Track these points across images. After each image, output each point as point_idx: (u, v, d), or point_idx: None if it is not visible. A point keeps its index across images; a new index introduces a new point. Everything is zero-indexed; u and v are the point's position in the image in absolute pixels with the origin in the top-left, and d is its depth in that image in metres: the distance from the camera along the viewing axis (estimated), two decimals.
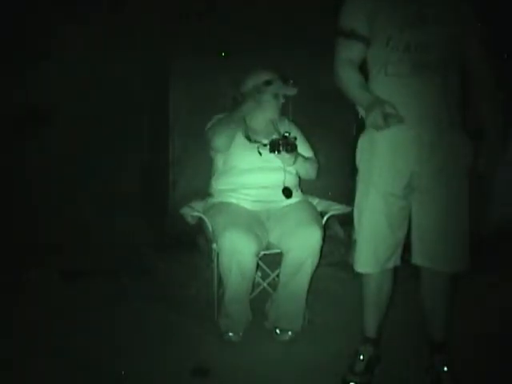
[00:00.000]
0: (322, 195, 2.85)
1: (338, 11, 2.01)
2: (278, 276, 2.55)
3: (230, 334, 2.47)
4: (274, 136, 2.47)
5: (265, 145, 2.49)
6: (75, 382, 2.16)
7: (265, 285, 2.61)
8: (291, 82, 2.62)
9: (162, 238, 3.29)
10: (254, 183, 2.57)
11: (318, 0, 3.15)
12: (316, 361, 2.32)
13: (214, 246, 2.46)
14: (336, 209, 2.65)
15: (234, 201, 2.56)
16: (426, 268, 2.10)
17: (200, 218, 2.57)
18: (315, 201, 2.77)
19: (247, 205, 2.56)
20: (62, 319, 2.58)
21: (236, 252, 2.33)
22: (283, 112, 2.71)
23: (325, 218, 2.58)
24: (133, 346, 2.39)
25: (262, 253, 2.49)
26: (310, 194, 2.81)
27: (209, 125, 2.65)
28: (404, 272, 2.22)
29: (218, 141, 2.54)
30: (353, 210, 2.16)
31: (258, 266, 2.50)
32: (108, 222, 3.38)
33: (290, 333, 2.50)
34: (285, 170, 2.57)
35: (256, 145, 2.56)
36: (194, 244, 2.82)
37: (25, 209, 3.32)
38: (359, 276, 2.16)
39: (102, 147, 3.43)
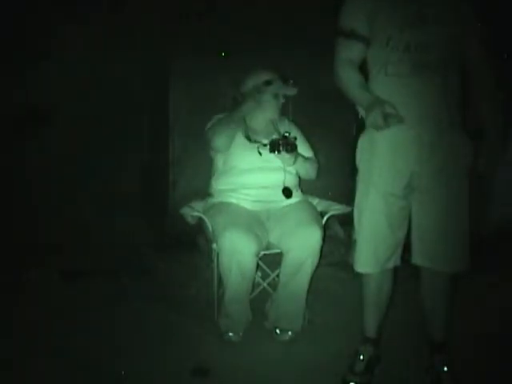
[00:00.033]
0: (322, 195, 2.85)
1: (337, 11, 2.01)
2: (277, 276, 2.55)
3: (230, 334, 2.47)
4: (274, 136, 2.47)
5: (265, 145, 2.49)
6: (75, 382, 2.16)
7: (265, 285, 2.61)
8: (291, 82, 2.62)
9: (162, 238, 3.29)
10: (254, 183, 2.57)
11: (318, 0, 3.15)
12: (316, 361, 2.32)
13: (214, 246, 2.46)
14: (336, 209, 2.65)
15: (233, 201, 2.56)
16: (426, 268, 2.10)
17: (200, 218, 2.57)
18: (315, 201, 2.77)
19: (247, 205, 2.56)
20: (62, 319, 2.58)
21: (236, 252, 2.33)
22: (283, 112, 2.71)
23: (325, 218, 2.58)
24: (133, 346, 2.39)
25: (262, 253, 2.49)
26: (310, 194, 2.81)
27: (209, 125, 2.65)
28: (404, 272, 2.22)
29: (218, 141, 2.54)
30: (353, 210, 2.16)
31: (258, 265, 2.50)
32: (108, 221, 3.38)
33: (290, 333, 2.50)
34: (285, 170, 2.57)
35: (256, 145, 2.56)
36: (194, 244, 2.82)
37: (25, 209, 3.32)
38: (359, 276, 2.16)
39: (102, 147, 3.43)
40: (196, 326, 2.59)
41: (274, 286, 2.59)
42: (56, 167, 3.38)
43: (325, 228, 2.52)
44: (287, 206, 2.59)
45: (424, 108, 1.96)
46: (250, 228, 2.40)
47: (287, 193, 2.57)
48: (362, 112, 1.97)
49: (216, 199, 2.61)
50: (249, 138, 2.59)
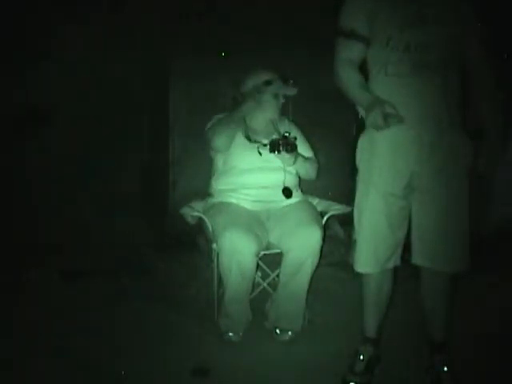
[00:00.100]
0: (322, 195, 2.85)
1: (337, 11, 2.01)
2: (278, 276, 2.55)
3: (230, 334, 2.47)
4: (274, 136, 2.47)
5: (265, 145, 2.49)
6: (75, 382, 2.16)
7: (265, 285, 2.61)
8: (291, 82, 2.62)
9: (162, 238, 3.29)
10: (254, 183, 2.57)
11: (318, 0, 3.15)
12: (316, 361, 2.32)
13: (214, 246, 2.46)
14: (336, 209, 2.65)
15: (234, 201, 2.56)
16: (426, 268, 2.10)
17: (200, 218, 2.57)
18: (315, 201, 2.77)
19: (247, 205, 2.56)
20: (62, 319, 2.58)
21: (236, 252, 2.33)
22: (283, 112, 2.71)
23: (325, 218, 2.58)
24: (133, 346, 2.39)
25: (262, 253, 2.49)
26: (310, 194, 2.81)
27: (209, 125, 2.65)
28: (404, 272, 2.22)
29: (218, 141, 2.54)
30: (353, 210, 2.16)
31: (258, 265, 2.50)
32: (108, 221, 3.38)
33: (290, 333, 2.50)
34: (285, 170, 2.57)
35: (256, 145, 2.56)
36: (194, 244, 2.82)
37: (25, 209, 3.32)
38: (359, 276, 2.16)
39: (102, 147, 3.43)
40: (196, 326, 2.59)
41: (274, 286, 2.59)
42: (56, 167, 3.38)
43: (325, 228, 2.52)
44: (287, 205, 2.59)
45: (424, 108, 1.96)
46: (250, 228, 2.40)
47: (287, 193, 2.57)
48: (362, 112, 1.97)
49: (216, 199, 2.61)
50: (249, 138, 2.59)
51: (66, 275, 3.10)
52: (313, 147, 2.74)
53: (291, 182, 2.62)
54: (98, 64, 3.31)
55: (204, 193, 2.72)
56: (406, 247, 2.13)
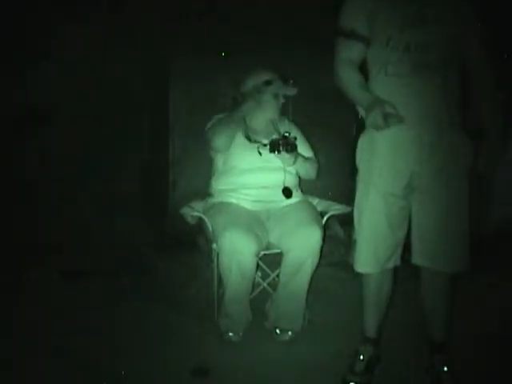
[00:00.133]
0: (322, 195, 2.85)
1: (338, 11, 2.01)
2: (277, 276, 2.55)
3: (230, 334, 2.47)
4: (274, 136, 2.47)
5: (265, 145, 2.49)
6: (75, 382, 2.16)
7: (265, 285, 2.61)
8: (291, 82, 2.62)
9: (162, 238, 3.29)
10: (254, 183, 2.57)
11: (318, 0, 3.15)
12: (316, 361, 2.32)
13: (214, 246, 2.46)
14: (336, 209, 2.65)
15: (234, 201, 2.56)
16: (426, 268, 2.10)
17: (200, 218, 2.57)
18: (315, 201, 2.77)
19: (247, 205, 2.56)
20: (62, 319, 2.58)
21: (236, 252, 2.33)
22: (283, 112, 2.71)
23: (325, 218, 2.58)
24: (133, 346, 2.39)
25: (262, 253, 2.49)
26: (310, 194, 2.81)
27: (209, 125, 2.65)
28: (404, 272, 2.22)
29: (218, 141, 2.54)
30: (353, 210, 2.16)
31: (258, 265, 2.50)
32: (108, 221, 3.38)
33: (290, 333, 2.50)
34: (285, 170, 2.57)
35: (256, 145, 2.56)
36: (194, 244, 2.82)
37: (25, 209, 3.32)
38: (359, 276, 2.16)
39: (102, 147, 3.43)
40: (196, 326, 2.59)
41: (274, 286, 2.59)
42: (56, 167, 3.38)
43: (325, 228, 2.52)
44: (287, 205, 2.59)
45: (424, 108, 1.96)
46: (250, 228, 2.40)
47: (287, 193, 2.57)
48: (362, 112, 1.97)
49: (216, 199, 2.61)
50: (249, 138, 2.59)
51: (66, 275, 3.10)
52: (313, 147, 2.74)
53: (291, 182, 2.62)
54: (97, 64, 3.31)
55: (204, 193, 2.72)
56: (406, 247, 2.13)
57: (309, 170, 2.67)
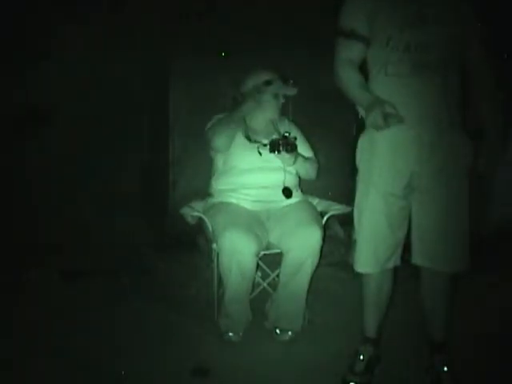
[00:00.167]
0: (322, 195, 2.85)
1: (338, 11, 2.01)
2: (278, 276, 2.55)
3: (230, 334, 2.47)
4: (274, 136, 2.47)
5: (265, 145, 2.49)
6: (75, 382, 2.16)
7: (265, 285, 2.61)
8: (291, 82, 2.62)
9: (162, 238, 3.29)
10: (254, 183, 2.57)
11: (318, 0, 3.15)
12: (316, 361, 2.32)
13: (214, 246, 2.46)
14: (336, 209, 2.65)
15: (234, 201, 2.56)
16: (426, 268, 2.10)
17: (200, 218, 2.57)
18: (315, 201, 2.77)
19: (247, 205, 2.56)
20: (62, 319, 2.58)
21: (236, 252, 2.33)
22: (283, 112, 2.71)
23: (325, 218, 2.58)
24: (133, 346, 2.39)
25: (262, 253, 2.49)
26: (310, 194, 2.81)
27: (209, 125, 2.65)
28: (404, 272, 2.22)
29: (218, 141, 2.54)
30: (353, 210, 2.16)
31: (258, 265, 2.50)
32: (108, 221, 3.38)
33: (290, 333, 2.50)
34: (285, 170, 2.57)
35: (256, 145, 2.56)
36: (194, 244, 2.82)
37: (25, 209, 3.32)
38: (359, 276, 2.16)
39: (102, 147, 3.43)
40: (196, 326, 2.59)
41: (274, 286, 2.59)
42: (56, 167, 3.38)
43: (325, 228, 2.52)
44: (287, 205, 2.59)
45: (424, 108, 1.96)
46: (250, 228, 2.40)
47: (287, 193, 2.57)
48: (362, 112, 1.97)
49: (216, 199, 2.61)
50: (249, 138, 2.59)
51: (66, 275, 3.10)
52: (313, 147, 2.74)
53: (291, 181, 2.62)
54: (98, 64, 3.31)
55: (204, 193, 2.72)
56: (406, 247, 2.13)
57: (309, 170, 2.67)
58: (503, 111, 2.04)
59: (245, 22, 3.07)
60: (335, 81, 2.01)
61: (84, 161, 3.44)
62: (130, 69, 3.41)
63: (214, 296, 2.58)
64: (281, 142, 2.39)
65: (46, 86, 3.27)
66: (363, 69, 2.03)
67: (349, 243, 2.86)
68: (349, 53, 1.99)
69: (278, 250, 2.50)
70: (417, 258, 2.10)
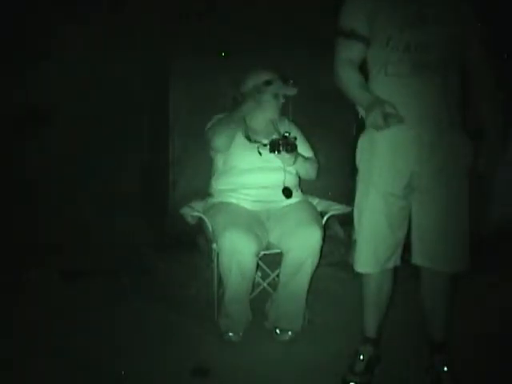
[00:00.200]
0: (322, 195, 2.85)
1: (337, 11, 2.01)
2: (278, 276, 2.55)
3: (230, 334, 2.47)
4: (274, 136, 2.47)
5: (265, 145, 2.49)
6: (75, 382, 2.16)
7: (265, 285, 2.61)
8: (291, 82, 2.62)
9: (162, 238, 3.29)
10: (254, 183, 2.57)
11: (318, 0, 3.15)
12: (316, 361, 2.32)
13: (214, 245, 2.46)
14: (336, 209, 2.65)
15: (234, 201, 2.56)
16: (426, 268, 2.10)
17: (200, 218, 2.57)
18: (315, 201, 2.77)
19: (247, 205, 2.56)
20: (62, 319, 2.58)
21: (236, 252, 2.33)
22: (283, 112, 2.71)
23: (325, 218, 2.58)
24: (133, 346, 2.39)
25: (262, 253, 2.49)
26: (310, 194, 2.81)
27: (209, 125, 2.65)
28: (404, 272, 2.22)
29: (218, 141, 2.54)
30: (353, 210, 2.16)
31: (258, 265, 2.50)
32: (108, 221, 3.38)
33: (290, 333, 2.50)
34: (285, 170, 2.57)
35: (256, 145, 2.56)
36: (194, 244, 2.82)
37: (25, 209, 3.32)
38: (359, 276, 2.16)
39: (102, 147, 3.43)
40: (196, 326, 2.59)
41: (274, 286, 2.59)
42: (56, 167, 3.38)
43: (325, 228, 2.52)
44: (287, 205, 2.59)
45: (424, 108, 1.96)
46: (250, 228, 2.40)
47: (287, 193, 2.57)
48: (362, 112, 1.97)
49: (216, 199, 2.61)
50: (249, 138, 2.59)
51: (66, 275, 3.10)
52: (313, 147, 2.74)
53: (291, 182, 2.62)
54: (98, 64, 3.31)
55: (204, 193, 2.72)
56: (406, 247, 2.13)
57: (309, 170, 2.67)
58: (503, 111, 2.04)
59: (245, 21, 3.07)
60: (335, 81, 2.01)
61: (84, 161, 3.44)
62: (130, 69, 3.41)
63: (214, 296, 2.58)
64: (281, 142, 2.39)
65: (46, 85, 3.27)
66: (363, 69, 2.03)
67: (349, 243, 2.86)
68: (349, 53, 1.99)
69: (278, 250, 2.50)
70: (417, 258, 2.10)
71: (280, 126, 2.63)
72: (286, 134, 2.42)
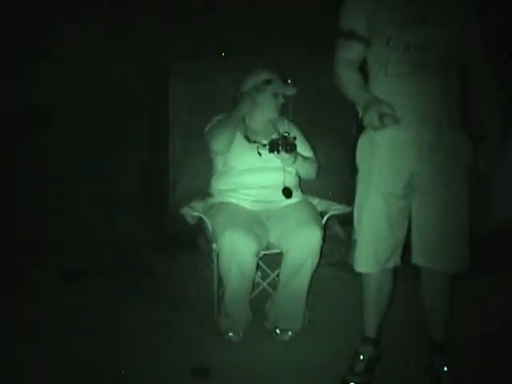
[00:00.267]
0: (322, 195, 2.85)
1: (337, 11, 2.01)
2: (277, 276, 2.55)
3: (230, 334, 2.47)
4: (274, 136, 2.47)
5: (264, 145, 2.49)
6: (75, 382, 2.16)
7: (265, 285, 2.61)
8: (291, 81, 2.62)
9: (162, 238, 3.29)
10: (254, 183, 2.57)
11: (318, 0, 3.15)
12: (316, 361, 2.32)
13: (214, 245, 2.46)
14: (336, 209, 2.65)
15: (233, 201, 2.56)
16: (426, 268, 2.10)
17: (200, 218, 2.57)
18: (315, 201, 2.77)
19: (247, 205, 2.56)
20: (62, 319, 2.58)
21: (236, 252, 2.33)
22: (283, 112, 2.71)
23: (325, 218, 2.58)
24: (133, 346, 2.39)
25: (262, 253, 2.49)
26: (310, 194, 2.81)
27: (208, 127, 2.65)
28: (404, 272, 2.22)
29: (217, 143, 2.53)
30: (353, 210, 2.16)
31: (258, 265, 2.50)
32: (108, 221, 3.38)
33: (289, 333, 2.50)
34: (285, 170, 2.57)
35: (255, 145, 2.56)
36: (194, 244, 2.82)
37: (25, 209, 3.32)
38: (359, 276, 2.16)
39: (102, 147, 3.43)
40: (196, 326, 2.59)
41: (274, 286, 2.59)
42: (56, 167, 3.38)
43: (325, 228, 2.52)
44: (287, 205, 2.59)
45: (424, 108, 1.96)
46: (250, 228, 2.40)
47: (287, 193, 2.57)
48: (361, 112, 1.97)
49: (216, 199, 2.61)
50: (248, 139, 2.59)
51: (66, 275, 3.10)
52: (313, 147, 2.74)
53: (291, 182, 2.62)
54: (98, 64, 3.31)
55: (204, 193, 2.72)
56: (406, 247, 2.13)
57: (309, 170, 2.67)
58: (503, 111, 2.04)
59: (245, 21, 3.07)
60: (335, 81, 2.01)
61: (84, 161, 3.44)
62: (130, 69, 3.41)
63: (214, 296, 2.58)
64: (280, 142, 2.39)
65: (46, 85, 3.27)
66: (363, 69, 2.03)
67: (349, 243, 2.85)
68: (348, 53, 1.99)
69: (278, 250, 2.50)
70: (417, 258, 2.10)
71: (279, 125, 2.63)
72: (286, 134, 2.42)
